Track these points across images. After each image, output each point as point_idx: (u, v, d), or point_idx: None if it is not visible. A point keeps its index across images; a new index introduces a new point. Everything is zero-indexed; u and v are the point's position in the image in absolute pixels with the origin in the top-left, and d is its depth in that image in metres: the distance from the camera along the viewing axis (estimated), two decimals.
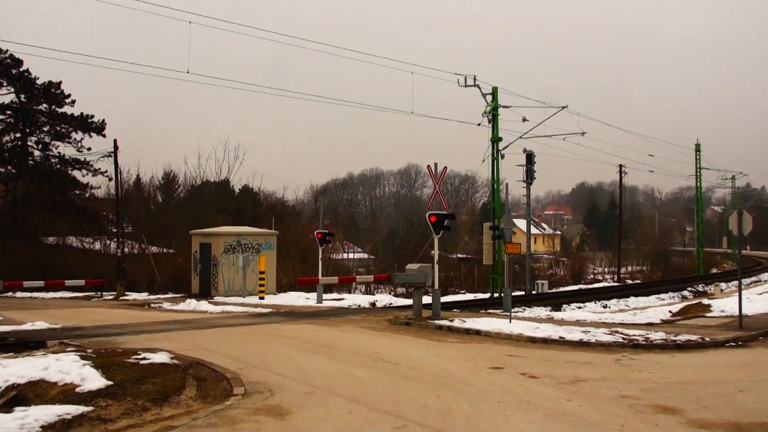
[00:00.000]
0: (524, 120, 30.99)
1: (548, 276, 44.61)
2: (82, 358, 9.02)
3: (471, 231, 67.02)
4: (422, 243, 39.95)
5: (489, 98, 30.13)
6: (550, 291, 32.83)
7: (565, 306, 26.27)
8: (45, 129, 33.15)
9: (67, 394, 7.47)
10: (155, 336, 12.70)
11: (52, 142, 33.27)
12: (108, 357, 9.28)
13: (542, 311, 22.97)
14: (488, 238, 28.90)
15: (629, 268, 56.87)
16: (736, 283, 29.31)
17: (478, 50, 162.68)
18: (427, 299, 20.97)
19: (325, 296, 24.93)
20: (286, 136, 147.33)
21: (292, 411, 7.14)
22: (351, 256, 45.21)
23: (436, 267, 15.96)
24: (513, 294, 24.53)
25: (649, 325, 14.87)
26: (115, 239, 29.75)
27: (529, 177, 31.39)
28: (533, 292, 31.63)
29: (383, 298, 26.40)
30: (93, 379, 7.87)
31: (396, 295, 31.96)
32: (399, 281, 15.88)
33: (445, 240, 49.14)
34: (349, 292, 32.74)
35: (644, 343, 11.72)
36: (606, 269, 55.55)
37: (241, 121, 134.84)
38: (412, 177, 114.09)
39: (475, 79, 29.51)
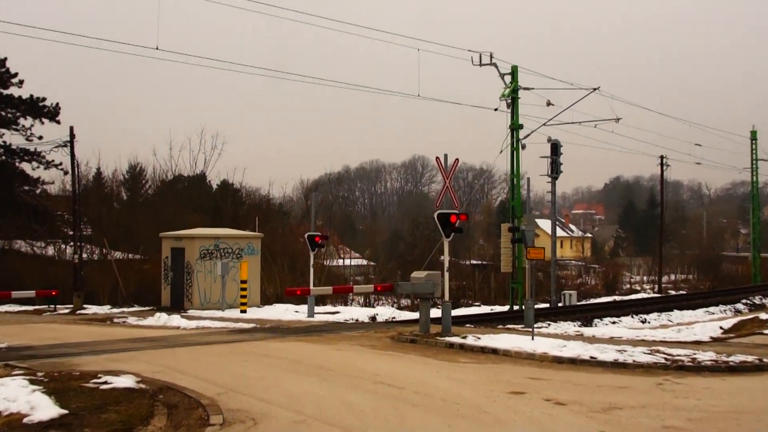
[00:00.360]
0: (548, 104, 30.97)
1: (577, 286, 44.60)
2: (32, 382, 9.00)
3: (487, 233, 67.05)
4: (430, 247, 39.90)
5: (508, 79, 30.12)
6: (579, 303, 32.82)
7: (596, 321, 26.25)
8: None
9: (12, 425, 7.43)
10: (119, 356, 12.69)
11: None
12: (63, 381, 9.27)
13: (570, 327, 22.94)
14: (507, 241, 28.90)
15: (672, 277, 56.85)
16: None
17: (496, 24, 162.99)
18: (435, 313, 20.98)
19: (317, 309, 24.93)
20: (272, 124, 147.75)
21: None
22: (347, 262, 45.22)
23: (447, 275, 15.95)
24: (536, 307, 24.50)
25: (697, 344, 14.84)
26: (72, 243, 29.74)
27: (555, 170, 31.36)
28: (559, 305, 31.61)
29: (385, 312, 26.41)
30: (44, 408, 7.84)
31: (400, 308, 31.94)
32: (403, 292, 15.89)
33: (456, 244, 49.13)
34: (346, 305, 32.74)
35: (690, 364, 11.69)
36: (644, 278, 55.57)
37: (219, 107, 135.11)
38: (418, 171, 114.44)
39: (491, 57, 29.52)
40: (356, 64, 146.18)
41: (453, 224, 15.65)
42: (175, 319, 19.44)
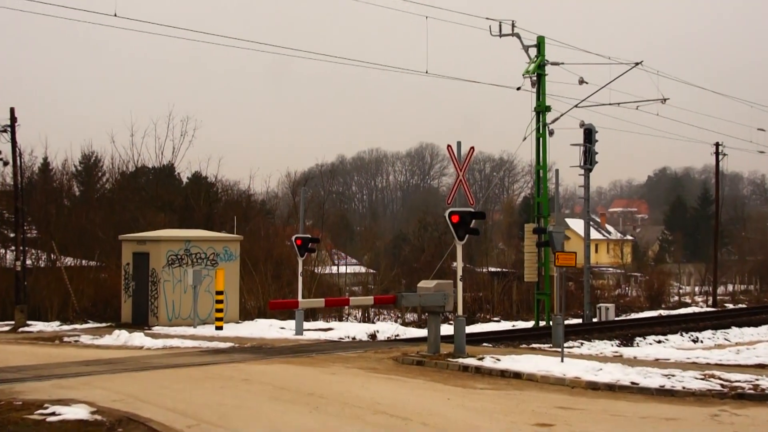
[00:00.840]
0: (581, 82, 30.95)
1: (615, 298, 44.55)
2: None
3: (508, 235, 67.01)
4: (440, 252, 39.80)
5: (532, 53, 30.13)
6: (617, 319, 32.83)
7: (638, 339, 26.25)
8: None
9: None
10: (70, 382, 12.69)
11: None
12: (2, 413, 9.26)
13: (607, 346, 22.92)
14: (531, 245, 28.91)
15: (729, 288, 56.79)
16: None
17: None
18: (447, 329, 20.91)
19: (307, 325, 24.91)
20: (253, 106, 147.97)
21: None
22: (342, 269, 45.22)
23: (460, 285, 15.96)
24: (566, 323, 24.45)
25: (760, 367, 14.83)
26: (13, 247, 29.73)
27: (588, 160, 31.35)
28: (594, 320, 31.60)
29: (387, 328, 26.42)
30: None
31: (404, 324, 31.93)
32: (408, 305, 15.89)
33: (471, 247, 49.12)
34: (340, 320, 32.77)
35: (752, 392, 11.67)
36: (696, 289, 55.53)
37: (190, 86, 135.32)
38: (426, 161, 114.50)
39: (513, 26, 29.52)
40: (353, 35, 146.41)
41: (467, 224, 15.63)
42: (138, 338, 19.44)
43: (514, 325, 32.12)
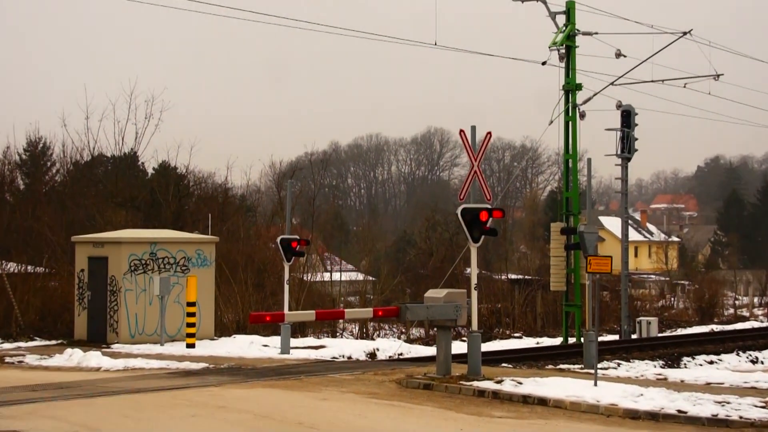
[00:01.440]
0: (618, 55, 30.91)
1: (658, 310, 44.56)
2: None
3: (531, 236, 66.95)
4: (451, 256, 39.78)
5: (561, 20, 30.08)
6: (661, 335, 32.82)
7: (686, 360, 26.25)
8: None
9: None
10: (12, 411, 12.68)
11: None
12: None
13: (648, 367, 22.91)
14: (559, 248, 28.87)
15: None
16: None
17: None
18: (459, 347, 20.86)
19: (294, 342, 24.91)
20: (230, 84, 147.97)
21: None
22: (337, 276, 45.15)
23: (475, 294, 15.96)
24: (600, 339, 24.44)
25: None
26: None
27: (627, 148, 31.37)
28: (633, 336, 31.60)
29: (388, 346, 26.45)
30: None
31: (409, 341, 31.94)
32: (414, 318, 15.86)
33: (488, 251, 49.08)
34: (334, 336, 32.81)
35: None
36: (756, 300, 55.45)
37: (156, 61, 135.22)
38: (434, 149, 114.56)
39: None
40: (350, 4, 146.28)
41: (483, 224, 15.61)
42: (95, 358, 19.42)
43: (538, 342, 32.10)
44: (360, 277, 47.25)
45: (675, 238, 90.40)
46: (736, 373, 18.66)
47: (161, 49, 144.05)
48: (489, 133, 16.18)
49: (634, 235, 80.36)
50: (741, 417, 11.92)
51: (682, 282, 56.77)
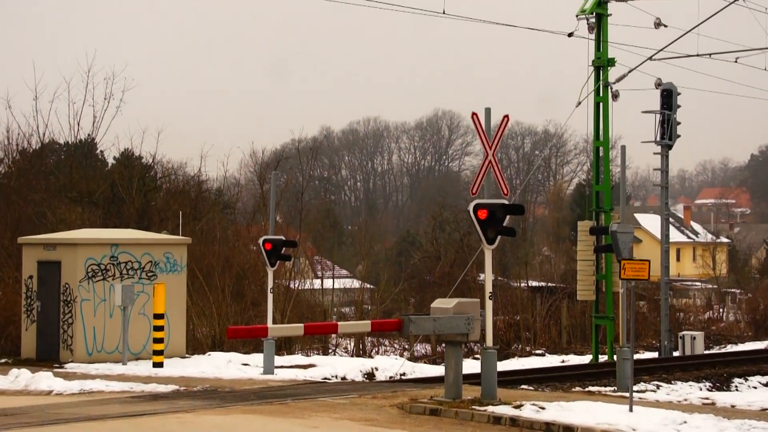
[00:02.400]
0: (658, 25, 30.83)
1: (704, 323, 44.44)
2: None
3: (555, 237, 66.99)
4: (462, 260, 39.69)
5: None
6: (707, 352, 32.78)
7: (738, 381, 26.17)
8: None
9: None
10: None
11: None
12: None
13: (693, 390, 22.88)
14: (587, 250, 28.85)
15: None
16: None
17: None
18: (472, 366, 20.78)
19: (279, 360, 24.95)
20: (204, 60, 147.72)
21: None
22: (329, 284, 45.13)
23: (490, 305, 15.92)
24: (636, 357, 24.40)
25: None
26: None
27: (668, 134, 31.29)
28: (675, 354, 31.53)
29: (389, 364, 26.45)
30: None
31: (413, 358, 31.89)
32: (418, 332, 15.85)
33: (504, 254, 49.01)
34: (326, 353, 32.85)
35: None
36: None
37: (117, 33, 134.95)
38: (442, 135, 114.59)
39: None
40: None
41: (499, 222, 15.58)
42: (45, 379, 19.34)
43: (563, 361, 32.07)
44: (356, 284, 47.17)
45: (724, 239, 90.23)
46: None
47: (121, 20, 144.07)
48: (506, 116, 16.16)
49: (676, 235, 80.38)
50: None
51: (733, 290, 56.71)
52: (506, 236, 16.03)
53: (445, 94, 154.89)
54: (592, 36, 30.10)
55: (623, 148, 23.84)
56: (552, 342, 38.38)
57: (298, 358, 27.95)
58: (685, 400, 18.07)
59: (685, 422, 13.20)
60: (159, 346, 23.30)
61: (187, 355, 25.96)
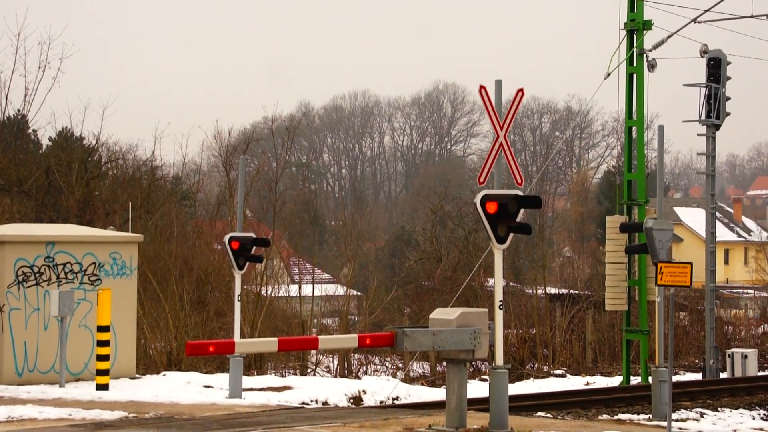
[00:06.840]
0: None
1: (758, 339, 44.54)
2: None
3: (578, 235, 67.22)
4: (466, 262, 39.73)
5: None
6: (762, 374, 32.79)
7: None
8: None
9: None
10: None
11: None
12: None
13: (744, 419, 22.98)
14: (617, 251, 28.85)
15: None
16: None
17: None
18: (478, 389, 20.69)
19: (249, 382, 25.02)
20: (159, 23, 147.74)
21: None
22: (308, 290, 45.15)
23: (500, 315, 15.88)
24: (676, 379, 24.37)
25: None
26: None
27: (715, 111, 31.27)
28: (722, 375, 31.53)
29: (379, 386, 26.51)
30: None
31: (408, 379, 31.88)
32: (414, 348, 15.80)
33: (518, 255, 49.06)
34: (304, 373, 32.95)
35: None
36: None
37: None
38: (444, 113, 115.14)
39: None
40: None
41: (512, 217, 15.48)
42: None
43: (588, 383, 32.17)
44: (340, 291, 47.31)
45: None
46: None
47: None
48: (520, 90, 16.03)
49: (724, 233, 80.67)
50: None
51: None
52: (520, 234, 15.96)
53: (448, 64, 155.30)
54: None
55: (661, 128, 23.84)
56: (574, 361, 38.51)
57: (271, 379, 27.96)
58: (735, 430, 18.02)
59: None
60: (104, 365, 23.16)
61: (137, 376, 25.96)
